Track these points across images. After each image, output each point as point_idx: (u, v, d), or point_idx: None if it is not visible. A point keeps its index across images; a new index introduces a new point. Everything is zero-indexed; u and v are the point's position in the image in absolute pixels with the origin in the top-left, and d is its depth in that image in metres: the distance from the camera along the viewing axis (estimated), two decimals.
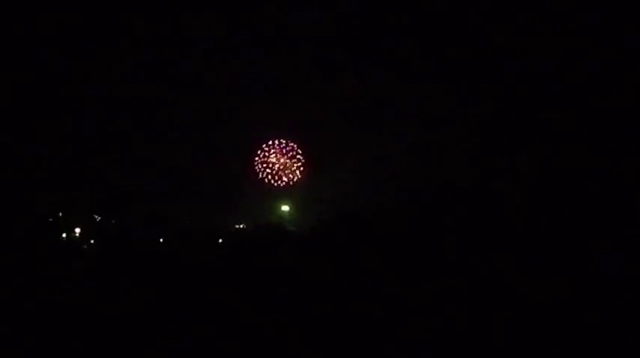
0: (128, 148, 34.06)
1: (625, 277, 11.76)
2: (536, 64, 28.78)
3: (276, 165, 39.36)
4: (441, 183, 25.87)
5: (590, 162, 22.44)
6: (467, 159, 30.60)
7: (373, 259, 16.14)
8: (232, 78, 37.66)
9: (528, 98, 29.43)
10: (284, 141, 39.81)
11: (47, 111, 31.83)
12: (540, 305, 10.74)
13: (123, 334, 11.58)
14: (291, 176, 39.71)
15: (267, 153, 39.59)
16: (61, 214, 29.57)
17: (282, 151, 39.77)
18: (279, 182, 39.60)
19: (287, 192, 38.82)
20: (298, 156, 39.84)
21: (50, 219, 28.51)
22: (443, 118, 32.03)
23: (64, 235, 28.79)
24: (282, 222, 32.95)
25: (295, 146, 39.70)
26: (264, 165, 39.35)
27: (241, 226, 34.19)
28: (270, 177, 39.43)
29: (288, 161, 39.45)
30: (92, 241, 28.66)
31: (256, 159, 39.23)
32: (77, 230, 29.48)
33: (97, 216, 31.22)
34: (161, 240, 28.23)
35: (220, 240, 29.08)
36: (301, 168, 39.52)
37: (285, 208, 37.19)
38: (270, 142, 39.56)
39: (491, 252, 14.97)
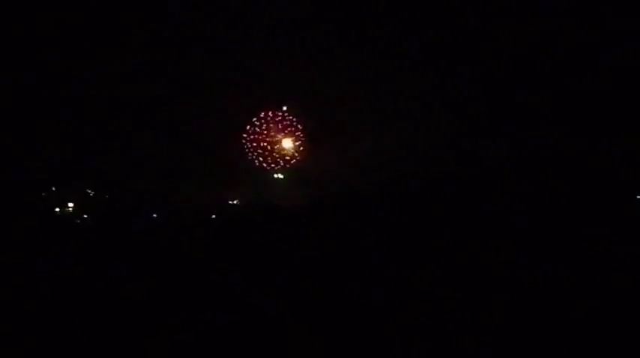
0: (121, 123, 33.79)
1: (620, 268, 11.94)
2: (529, 52, 28.65)
3: (269, 146, 34.63)
4: (441, 164, 26.00)
5: (584, 150, 22.71)
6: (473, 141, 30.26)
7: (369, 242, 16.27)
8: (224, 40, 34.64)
9: (528, 85, 29.30)
10: (280, 114, 34.71)
11: (37, 87, 31.52)
12: (534, 295, 10.84)
13: (117, 311, 11.75)
14: (287, 158, 35.25)
15: (258, 129, 34.57)
16: (54, 189, 29.61)
17: (277, 126, 34.71)
18: (272, 165, 34.93)
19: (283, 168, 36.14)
20: (297, 133, 35.08)
21: (43, 194, 28.59)
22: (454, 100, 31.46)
23: (57, 209, 28.89)
24: (273, 196, 32.10)
25: (294, 119, 34.83)
26: (254, 144, 34.55)
27: (235, 202, 34.13)
28: (262, 159, 34.77)
29: (285, 139, 34.75)
30: (85, 216, 28.80)
31: (244, 136, 34.38)
32: (70, 204, 29.54)
33: (90, 191, 31.24)
34: (154, 215, 28.41)
35: (214, 216, 29.22)
36: (300, 148, 35.10)
37: (279, 176, 34.64)
38: (263, 114, 34.48)
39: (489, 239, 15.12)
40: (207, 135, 35.36)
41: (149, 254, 17.71)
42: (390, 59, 32.84)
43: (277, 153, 34.77)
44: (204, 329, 10.41)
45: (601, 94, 25.58)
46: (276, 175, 34.50)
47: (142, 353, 9.76)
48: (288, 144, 35.08)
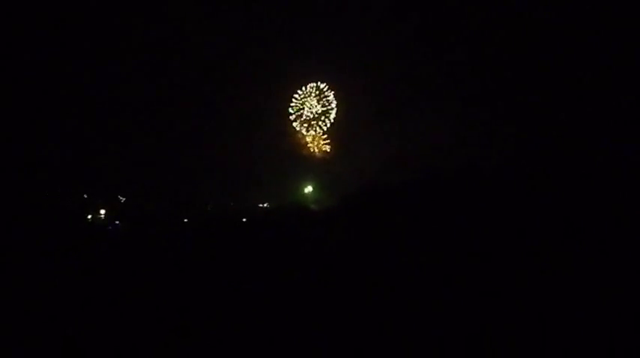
0: (149, 129, 34.05)
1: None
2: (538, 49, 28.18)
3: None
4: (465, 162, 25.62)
5: (584, 150, 22.05)
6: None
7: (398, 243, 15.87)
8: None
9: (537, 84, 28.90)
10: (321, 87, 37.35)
11: (68, 95, 31.95)
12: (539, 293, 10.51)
13: (148, 314, 11.58)
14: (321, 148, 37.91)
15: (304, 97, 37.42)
16: (85, 196, 29.95)
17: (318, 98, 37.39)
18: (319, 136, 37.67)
19: (311, 169, 37.37)
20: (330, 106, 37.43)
21: (75, 202, 28.90)
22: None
23: (89, 216, 29.18)
24: (305, 201, 32.53)
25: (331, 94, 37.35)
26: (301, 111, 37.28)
27: (265, 205, 34.14)
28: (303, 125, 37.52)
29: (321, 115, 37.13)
30: (117, 222, 29.01)
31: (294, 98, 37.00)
32: (102, 211, 29.84)
33: (121, 198, 31.53)
34: (185, 220, 28.42)
35: (244, 219, 29.16)
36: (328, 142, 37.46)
37: (309, 189, 36.02)
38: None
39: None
40: (239, 138, 35.45)
41: (179, 259, 17.60)
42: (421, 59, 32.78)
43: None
44: (230, 332, 10.14)
45: (601, 94, 25.13)
46: (306, 189, 35.85)
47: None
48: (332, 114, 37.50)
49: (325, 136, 37.86)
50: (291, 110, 37.44)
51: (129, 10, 31.07)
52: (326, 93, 37.40)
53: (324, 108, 37.27)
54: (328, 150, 37.65)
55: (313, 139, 38.12)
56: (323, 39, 36.20)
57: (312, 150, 37.87)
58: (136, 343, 10.02)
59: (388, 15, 32.86)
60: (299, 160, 37.44)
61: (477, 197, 18.94)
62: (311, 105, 37.34)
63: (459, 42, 31.55)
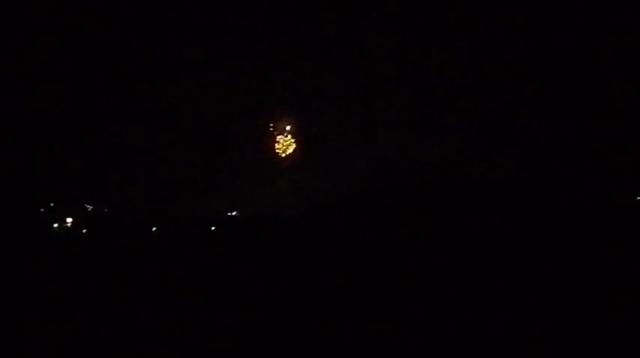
0: (117, 137, 33.56)
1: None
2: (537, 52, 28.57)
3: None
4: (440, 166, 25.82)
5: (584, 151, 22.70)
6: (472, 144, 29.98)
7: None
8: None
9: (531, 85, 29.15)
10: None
11: (33, 100, 31.32)
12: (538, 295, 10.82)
13: (118, 325, 11.59)
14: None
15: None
16: (52, 204, 29.39)
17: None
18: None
19: (283, 171, 36.80)
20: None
21: (42, 210, 28.38)
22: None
23: (55, 225, 28.66)
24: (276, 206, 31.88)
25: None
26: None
27: (233, 213, 33.85)
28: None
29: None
30: (84, 231, 28.57)
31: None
32: (69, 220, 29.33)
33: (88, 206, 31.03)
34: (154, 228, 28.19)
35: (213, 228, 29.03)
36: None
37: (280, 191, 34.80)
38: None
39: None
40: (210, 139, 34.97)
41: (149, 269, 17.55)
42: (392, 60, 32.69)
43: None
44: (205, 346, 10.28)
45: (601, 95, 25.63)
46: (277, 192, 34.40)
47: None
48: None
49: (293, 139, 37.08)
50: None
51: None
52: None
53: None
54: (294, 152, 36.99)
55: (280, 142, 37.44)
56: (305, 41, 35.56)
57: (279, 152, 37.23)
58: None
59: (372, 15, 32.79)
60: (267, 163, 36.75)
61: (464, 198, 19.29)
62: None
63: (441, 41, 31.55)
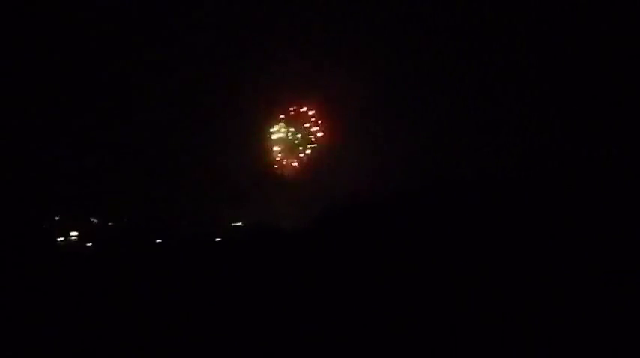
0: (122, 151, 33.69)
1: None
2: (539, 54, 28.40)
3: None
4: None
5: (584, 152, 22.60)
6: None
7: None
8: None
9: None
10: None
11: (37, 111, 31.42)
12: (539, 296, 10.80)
13: (125, 337, 11.62)
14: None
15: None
16: (57, 218, 29.50)
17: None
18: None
19: (287, 181, 36.10)
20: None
21: (47, 223, 28.46)
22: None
23: (60, 239, 28.73)
24: (278, 219, 31.94)
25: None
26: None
27: (239, 224, 33.82)
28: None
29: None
30: (89, 244, 28.63)
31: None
32: (74, 233, 29.41)
33: (93, 219, 31.13)
34: (158, 240, 28.20)
35: (218, 239, 29.01)
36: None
37: (282, 206, 34.17)
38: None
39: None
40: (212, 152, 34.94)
41: (154, 281, 17.57)
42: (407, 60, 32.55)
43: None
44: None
45: (602, 95, 25.58)
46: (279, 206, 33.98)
47: None
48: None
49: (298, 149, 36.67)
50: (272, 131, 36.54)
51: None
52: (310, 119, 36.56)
53: (305, 136, 36.46)
54: (297, 165, 36.72)
55: (283, 156, 37.09)
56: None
57: (281, 166, 36.97)
58: None
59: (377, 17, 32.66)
60: (271, 174, 36.41)
61: (470, 205, 19.21)
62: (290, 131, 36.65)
63: (443, 44, 31.41)
